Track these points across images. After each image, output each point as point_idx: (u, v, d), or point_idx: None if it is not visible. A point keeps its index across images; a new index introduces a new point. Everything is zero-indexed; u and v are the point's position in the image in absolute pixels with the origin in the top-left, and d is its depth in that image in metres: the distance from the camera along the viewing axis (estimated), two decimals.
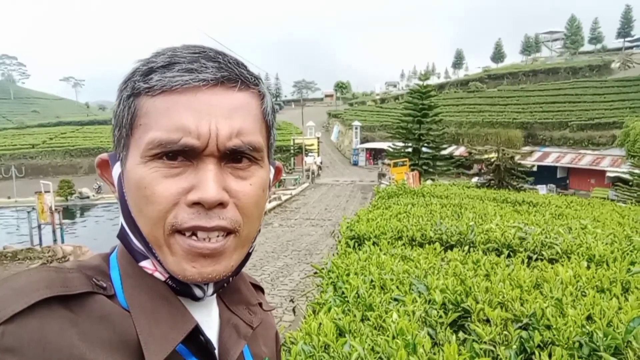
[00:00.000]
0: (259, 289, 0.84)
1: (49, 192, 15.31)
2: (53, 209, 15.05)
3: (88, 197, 31.06)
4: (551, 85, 53.89)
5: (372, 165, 43.03)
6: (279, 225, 16.41)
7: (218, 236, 0.57)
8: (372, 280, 2.56)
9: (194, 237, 0.56)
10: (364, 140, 46.78)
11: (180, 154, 0.56)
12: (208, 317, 0.65)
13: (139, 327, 0.55)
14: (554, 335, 1.80)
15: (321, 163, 38.87)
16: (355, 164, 44.99)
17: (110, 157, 0.64)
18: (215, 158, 0.57)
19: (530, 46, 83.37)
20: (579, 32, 76.20)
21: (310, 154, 38.55)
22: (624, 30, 75.05)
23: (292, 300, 5.31)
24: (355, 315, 2.01)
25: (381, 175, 30.11)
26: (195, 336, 0.60)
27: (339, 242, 4.24)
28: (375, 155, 45.13)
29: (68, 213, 24.89)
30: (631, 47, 70.16)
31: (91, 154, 48.22)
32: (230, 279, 0.64)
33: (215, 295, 0.66)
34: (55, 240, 14.53)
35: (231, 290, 0.71)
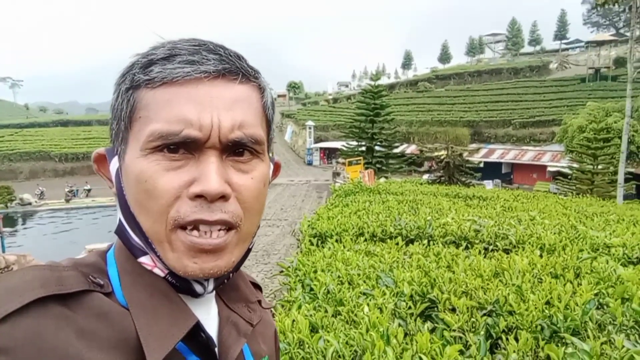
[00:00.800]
0: (257, 287, 0.83)
1: None
2: None
3: (30, 204, 29.37)
4: (495, 85, 56.15)
5: (326, 165, 43.26)
6: None
7: (220, 230, 0.56)
8: (339, 276, 2.59)
9: (195, 232, 0.55)
10: (318, 139, 46.96)
11: (181, 146, 0.55)
12: (207, 315, 0.64)
13: (139, 324, 0.54)
14: (517, 320, 1.89)
15: None
16: (310, 163, 45.08)
17: (107, 152, 0.62)
18: (217, 150, 0.56)
19: (474, 47, 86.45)
20: (520, 35, 79.83)
21: None
22: (560, 32, 79.31)
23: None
24: (327, 311, 2.02)
25: (336, 174, 30.29)
26: (196, 333, 0.58)
27: (302, 240, 4.25)
28: (329, 154, 45.41)
29: (8, 220, 23.50)
30: (567, 49, 74.29)
31: (32, 158, 45.82)
32: (231, 275, 0.63)
33: (214, 293, 0.65)
34: None
35: (230, 287, 0.70)
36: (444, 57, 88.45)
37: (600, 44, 54.11)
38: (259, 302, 0.76)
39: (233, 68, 0.58)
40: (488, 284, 2.35)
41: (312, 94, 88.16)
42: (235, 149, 0.58)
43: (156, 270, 0.59)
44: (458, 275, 2.51)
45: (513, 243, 3.72)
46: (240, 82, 0.59)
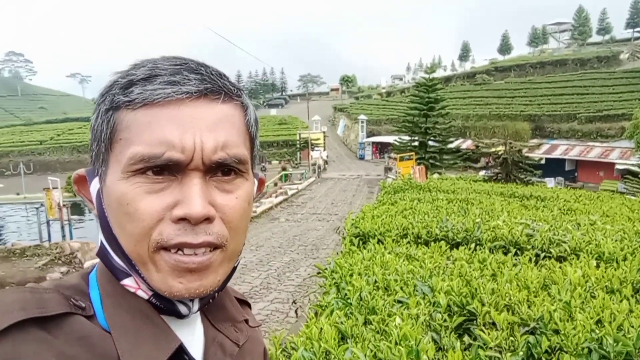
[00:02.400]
0: (245, 303, 0.82)
1: (57, 188, 15.42)
2: (61, 205, 15.16)
3: None
4: (559, 77, 53.37)
5: (378, 159, 42.87)
6: (286, 220, 16.42)
7: (205, 251, 0.55)
8: (375, 281, 2.52)
9: (179, 252, 0.54)
10: (370, 134, 46.60)
11: (163, 169, 0.54)
12: (192, 336, 0.63)
13: (120, 348, 0.53)
14: (562, 340, 1.75)
15: (327, 157, 38.80)
16: (362, 158, 44.85)
17: (87, 173, 0.62)
18: (200, 172, 0.55)
19: (537, 38, 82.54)
20: (587, 23, 75.30)
21: (316, 148, 38.48)
22: (633, 20, 73.99)
23: (294, 302, 5.28)
24: (357, 319, 1.97)
25: (387, 169, 30.02)
26: (180, 356, 0.57)
27: (344, 239, 4.21)
28: (381, 149, 44.95)
29: (76, 209, 25.02)
30: None
31: None
32: (216, 294, 0.62)
33: (199, 313, 0.64)
34: (63, 237, 14.64)
35: (216, 307, 0.69)
36: (504, 48, 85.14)
37: None
38: (247, 320, 0.75)
39: (215, 87, 0.57)
40: (534, 298, 2.21)
41: (365, 88, 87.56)
42: (219, 170, 0.57)
43: (140, 292, 0.58)
44: (502, 285, 2.38)
45: (568, 251, 3.49)
46: (223, 101, 0.57)
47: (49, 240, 14.29)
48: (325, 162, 36.45)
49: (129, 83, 0.55)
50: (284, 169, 33.37)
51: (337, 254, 3.73)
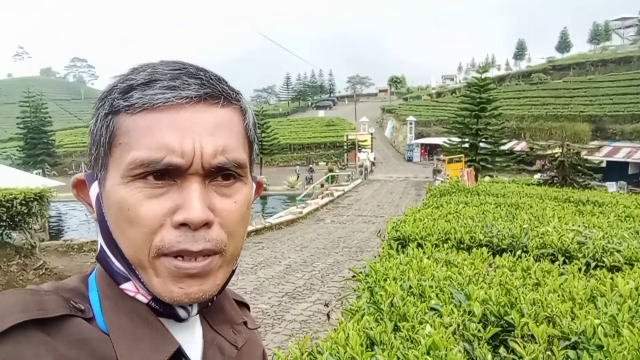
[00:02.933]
0: (244, 305, 0.83)
1: None
2: None
3: None
4: (623, 75, 50.45)
5: (426, 162, 42.10)
6: (331, 221, 16.44)
7: (204, 256, 0.56)
8: (410, 287, 2.46)
9: (179, 258, 0.55)
10: (419, 135, 45.86)
11: (163, 173, 0.55)
12: (191, 338, 0.63)
13: (119, 350, 0.54)
14: (605, 357, 1.63)
15: (374, 159, 38.53)
16: (410, 159, 44.21)
17: (86, 177, 0.63)
18: (199, 176, 0.56)
19: (599, 34, 78.44)
20: None
21: (363, 149, 38.34)
22: None
23: (326, 305, 5.26)
24: (387, 326, 1.92)
25: (436, 172, 29.43)
26: (178, 359, 0.58)
27: (383, 243, 4.15)
28: (430, 151, 44.13)
29: None
30: None
31: None
32: (214, 297, 0.62)
33: (198, 315, 0.65)
34: None
35: (215, 309, 0.69)
36: (563, 45, 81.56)
37: None
38: (245, 323, 0.75)
39: (214, 92, 0.57)
40: (579, 310, 2.07)
41: (415, 89, 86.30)
42: (218, 174, 0.57)
43: (139, 297, 0.59)
44: (545, 296, 2.25)
45: (622, 260, 3.27)
46: (222, 105, 0.58)
47: None
48: (373, 163, 36.20)
49: (128, 87, 0.56)
50: (330, 170, 33.42)
51: (375, 257, 3.68)
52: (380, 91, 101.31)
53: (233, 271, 0.63)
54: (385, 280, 2.58)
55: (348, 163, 41.16)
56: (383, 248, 3.81)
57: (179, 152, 0.54)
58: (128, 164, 0.54)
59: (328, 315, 3.73)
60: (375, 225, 14.96)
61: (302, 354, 1.71)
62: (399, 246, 3.81)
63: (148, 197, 0.54)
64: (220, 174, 0.57)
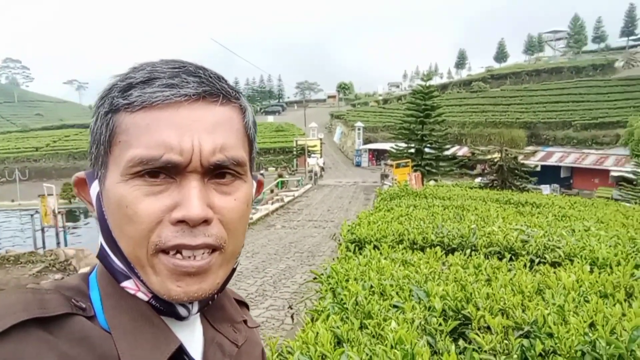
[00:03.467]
0: (243, 305, 0.83)
1: (52, 195, 15.36)
2: (56, 211, 15.08)
3: None
4: (554, 84, 53.72)
5: (374, 166, 42.92)
6: (282, 227, 16.39)
7: (203, 253, 0.56)
8: (371, 286, 2.53)
9: (178, 256, 0.55)
10: (367, 141, 46.69)
11: (162, 171, 0.55)
12: (192, 337, 0.64)
13: (121, 348, 0.54)
14: (555, 343, 1.76)
15: (324, 164, 38.82)
16: (358, 165, 44.91)
17: (87, 176, 0.62)
18: (198, 174, 0.56)
19: (533, 46, 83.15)
20: (582, 31, 75.90)
21: (312, 155, 38.51)
22: (628, 29, 74.73)
23: (290, 307, 5.27)
24: (353, 324, 1.97)
25: (384, 176, 30.05)
26: (179, 357, 0.58)
27: (340, 245, 4.21)
28: (378, 156, 45.03)
29: (71, 216, 24.93)
30: (635, 46, 69.67)
31: None
32: (215, 296, 0.63)
33: (199, 313, 0.65)
34: (58, 244, 14.57)
35: (215, 308, 0.69)
36: (500, 56, 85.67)
37: None
38: (245, 321, 0.75)
39: (213, 90, 0.57)
40: (528, 302, 2.22)
41: (362, 95, 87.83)
42: (217, 172, 0.57)
43: (140, 294, 0.59)
44: (497, 290, 2.39)
45: (562, 256, 3.51)
46: (221, 103, 0.58)
47: (44, 247, 14.21)
48: (322, 169, 36.47)
49: (128, 86, 0.56)
50: (280, 175, 33.33)
51: (333, 259, 3.74)
52: (329, 97, 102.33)
53: (234, 269, 0.64)
54: (347, 280, 2.64)
55: (298, 168, 41.22)
56: (341, 250, 3.87)
57: (177, 149, 0.54)
58: (127, 162, 0.54)
59: (292, 317, 3.74)
60: (326, 229, 15.06)
61: (273, 355, 1.72)
62: (356, 248, 3.90)
63: (147, 195, 0.54)
64: (219, 171, 0.57)
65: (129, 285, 0.59)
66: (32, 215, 16.57)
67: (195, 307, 0.61)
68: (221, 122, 0.58)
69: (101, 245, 0.61)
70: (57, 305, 0.53)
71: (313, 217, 18.36)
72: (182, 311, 0.60)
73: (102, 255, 0.61)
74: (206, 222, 0.55)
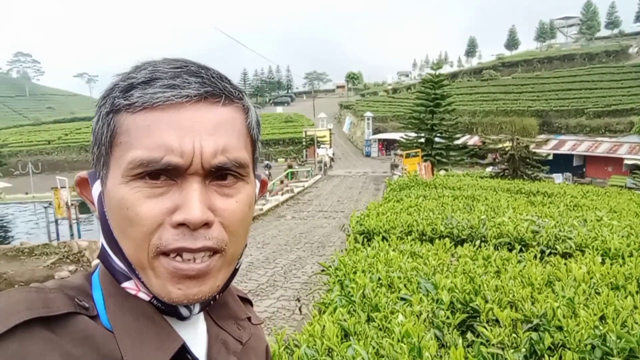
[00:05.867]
0: (247, 301, 0.83)
1: (65, 187, 15.53)
2: (69, 204, 15.27)
3: None
4: (567, 72, 52.91)
5: (384, 156, 42.79)
6: (292, 217, 16.43)
7: (204, 256, 0.55)
8: (379, 279, 2.53)
9: (178, 258, 0.55)
10: (376, 131, 46.51)
11: (163, 173, 0.54)
12: (195, 335, 0.64)
13: (123, 348, 0.54)
14: (565, 337, 1.74)
15: (333, 155, 38.77)
16: (368, 155, 44.80)
17: (89, 176, 0.62)
18: (199, 176, 0.55)
19: (545, 32, 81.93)
20: (595, 17, 74.60)
21: (322, 145, 38.47)
22: None
23: (298, 299, 5.29)
24: (360, 317, 1.97)
25: (394, 166, 29.97)
26: (182, 356, 0.58)
27: (348, 237, 4.21)
28: (387, 146, 44.84)
29: (84, 208, 25.16)
30: None
31: None
32: (217, 296, 0.62)
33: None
34: (72, 235, 14.76)
35: (219, 305, 0.69)
36: (511, 43, 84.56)
37: None
38: (249, 318, 0.75)
39: (215, 90, 0.57)
40: (538, 294, 2.20)
41: (371, 85, 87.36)
42: (219, 174, 0.57)
43: (141, 295, 0.59)
44: (506, 282, 2.37)
45: (573, 247, 3.47)
46: (223, 104, 0.57)
47: (57, 239, 14.42)
48: (332, 159, 36.43)
49: (129, 86, 0.55)
50: (290, 166, 33.34)
51: (342, 251, 3.73)
52: (338, 87, 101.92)
53: (236, 270, 0.64)
54: (354, 272, 2.63)
55: (307, 159, 41.22)
56: (349, 242, 3.87)
57: (178, 151, 0.53)
58: (128, 164, 0.54)
59: (300, 310, 3.75)
60: (336, 220, 15.08)
61: (280, 348, 1.73)
62: (365, 239, 3.89)
63: (147, 197, 0.54)
64: (221, 173, 0.57)
65: (129, 285, 0.59)
66: (45, 207, 16.80)
67: (196, 308, 0.61)
68: (223, 123, 0.57)
69: (102, 246, 0.61)
70: (60, 304, 0.53)
71: (323, 208, 18.38)
72: (183, 312, 0.60)
73: (103, 256, 0.61)
74: (207, 225, 0.55)
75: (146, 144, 0.53)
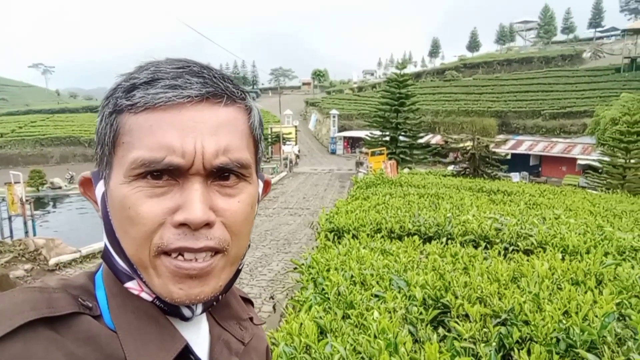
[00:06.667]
0: (248, 302, 0.83)
1: (19, 182, 14.85)
2: (24, 200, 14.61)
3: (60, 187, 30.27)
4: (525, 74, 54.75)
5: (349, 154, 43.16)
6: (257, 214, 16.33)
7: (205, 256, 0.56)
8: (352, 276, 2.56)
9: (180, 258, 0.55)
10: (342, 128, 46.80)
11: (165, 173, 0.54)
12: (197, 335, 0.64)
13: (127, 348, 0.54)
14: (532, 331, 1.83)
15: (299, 152, 38.76)
16: (333, 152, 45.04)
17: (93, 175, 0.62)
18: (201, 176, 0.55)
19: (505, 35, 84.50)
20: (552, 22, 77.59)
21: (288, 142, 38.41)
22: (595, 20, 76.75)
23: (272, 297, 5.29)
24: (336, 314, 2.00)
25: (359, 164, 30.26)
26: (185, 356, 0.58)
27: (318, 235, 4.23)
28: (353, 143, 45.24)
29: (39, 204, 24.23)
30: (601, 38, 71.70)
31: (62, 142, 47.06)
32: (220, 297, 0.62)
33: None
34: (26, 233, 14.14)
35: (221, 305, 0.69)
36: (473, 45, 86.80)
37: (637, 32, 51.75)
38: (251, 319, 0.75)
39: (217, 91, 0.57)
40: (504, 290, 2.29)
41: (337, 82, 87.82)
42: (221, 174, 0.57)
43: (143, 295, 0.59)
44: (474, 279, 2.45)
45: (535, 244, 3.62)
46: (225, 104, 0.58)
47: (11, 236, 13.79)
48: (297, 156, 36.42)
49: (131, 87, 0.55)
50: None
51: (313, 249, 3.76)
52: (304, 84, 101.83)
53: (239, 271, 0.64)
54: (327, 270, 2.66)
55: (273, 156, 41.05)
56: (320, 240, 3.89)
57: (179, 152, 0.53)
58: (130, 164, 0.54)
59: (274, 308, 3.75)
60: (302, 217, 15.10)
61: None
62: (335, 237, 3.93)
63: (149, 197, 0.54)
64: (223, 174, 0.57)
65: (132, 285, 0.59)
66: None
67: (199, 308, 0.61)
68: (225, 123, 0.57)
69: (105, 245, 0.61)
70: (64, 304, 0.53)
71: (289, 205, 18.36)
72: (186, 312, 0.60)
73: (105, 256, 0.61)
74: (208, 225, 0.55)
75: (148, 144, 0.54)
